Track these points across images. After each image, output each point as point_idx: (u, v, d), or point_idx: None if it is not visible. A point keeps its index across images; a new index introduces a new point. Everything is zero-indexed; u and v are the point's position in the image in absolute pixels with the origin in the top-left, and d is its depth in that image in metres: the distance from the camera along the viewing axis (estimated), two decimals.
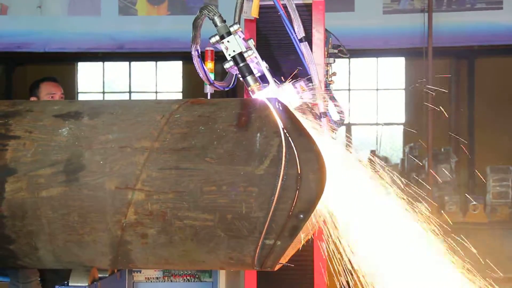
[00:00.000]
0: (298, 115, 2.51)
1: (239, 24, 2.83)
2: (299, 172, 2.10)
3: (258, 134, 2.16)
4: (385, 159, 14.80)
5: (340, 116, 3.45)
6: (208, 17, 2.73)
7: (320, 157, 2.13)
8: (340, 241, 2.64)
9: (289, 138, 2.13)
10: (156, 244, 2.25)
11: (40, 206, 2.23)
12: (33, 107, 2.42)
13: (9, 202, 2.24)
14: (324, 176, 2.12)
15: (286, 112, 2.25)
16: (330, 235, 2.64)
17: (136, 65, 16.52)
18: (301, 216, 2.12)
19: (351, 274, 2.73)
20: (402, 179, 2.86)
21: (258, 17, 3.13)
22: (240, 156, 2.13)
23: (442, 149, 14.18)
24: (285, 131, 2.15)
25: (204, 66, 2.96)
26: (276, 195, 2.09)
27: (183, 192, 2.14)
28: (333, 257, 2.75)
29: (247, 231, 2.15)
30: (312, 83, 2.98)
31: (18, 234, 2.28)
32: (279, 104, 2.28)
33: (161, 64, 16.42)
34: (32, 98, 4.60)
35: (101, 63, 16.39)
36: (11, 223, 2.26)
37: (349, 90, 16.03)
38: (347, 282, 2.76)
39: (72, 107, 2.40)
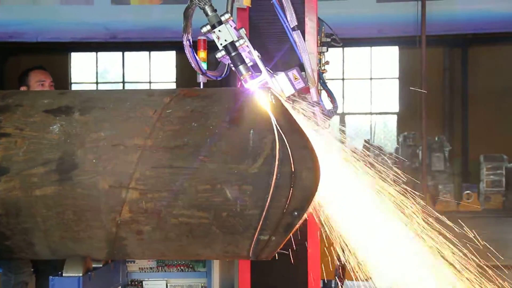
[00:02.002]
0: (290, 108, 2.48)
1: (231, 13, 2.79)
2: (293, 170, 2.09)
3: (251, 131, 2.14)
4: (379, 148, 14.82)
5: (333, 105, 3.43)
6: (199, 7, 2.69)
7: (314, 155, 2.12)
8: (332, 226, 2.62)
9: (283, 135, 2.11)
10: (152, 240, 2.24)
11: (34, 205, 2.22)
12: (22, 101, 2.38)
13: (2, 200, 2.22)
14: (318, 173, 2.11)
15: (279, 107, 2.23)
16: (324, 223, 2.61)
17: (129, 55, 16.45)
18: (296, 213, 2.12)
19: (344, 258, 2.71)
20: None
21: (250, 6, 3.10)
22: (234, 154, 2.12)
23: (436, 138, 14.21)
24: (278, 127, 2.13)
25: (196, 56, 2.92)
26: (270, 194, 2.08)
27: (177, 191, 2.13)
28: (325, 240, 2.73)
29: (242, 227, 2.15)
30: (304, 72, 2.96)
31: (13, 231, 2.28)
32: (272, 97, 2.25)
33: (155, 54, 16.36)
34: (22, 88, 4.58)
35: (94, 53, 16.31)
36: (5, 220, 2.25)
37: (343, 79, 16.00)
38: (342, 264, 2.73)
39: (63, 101, 2.36)
